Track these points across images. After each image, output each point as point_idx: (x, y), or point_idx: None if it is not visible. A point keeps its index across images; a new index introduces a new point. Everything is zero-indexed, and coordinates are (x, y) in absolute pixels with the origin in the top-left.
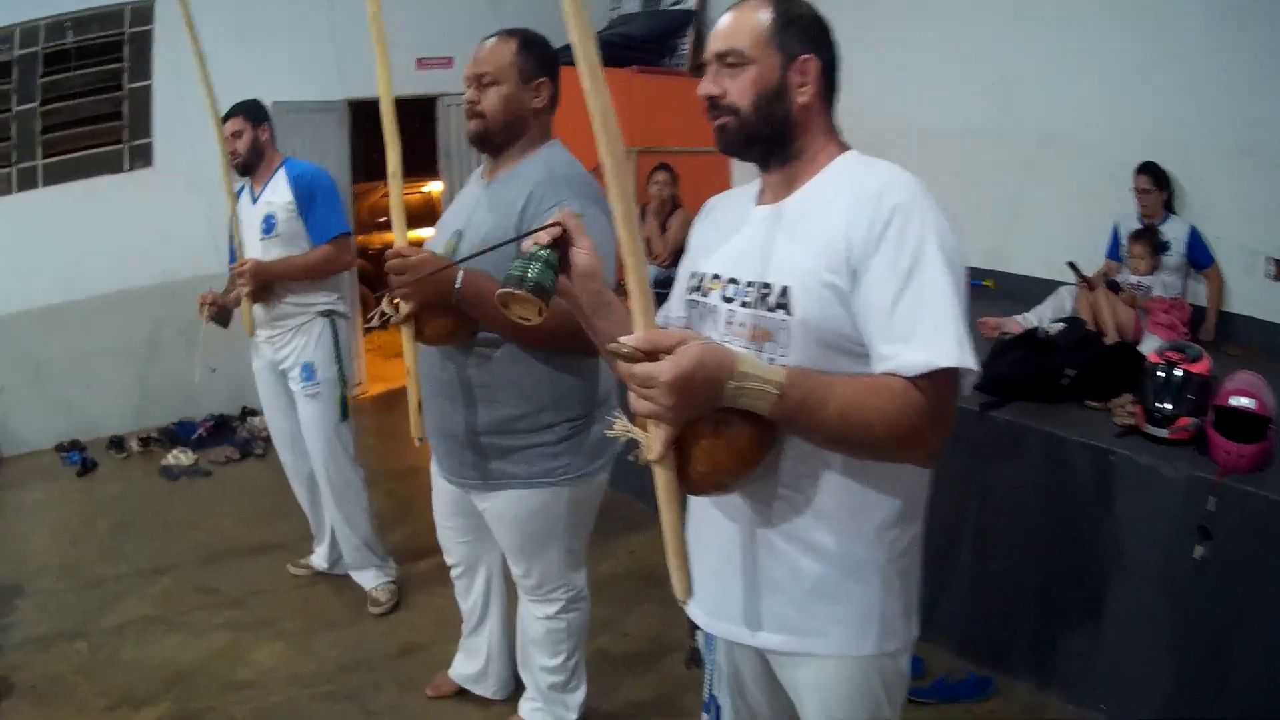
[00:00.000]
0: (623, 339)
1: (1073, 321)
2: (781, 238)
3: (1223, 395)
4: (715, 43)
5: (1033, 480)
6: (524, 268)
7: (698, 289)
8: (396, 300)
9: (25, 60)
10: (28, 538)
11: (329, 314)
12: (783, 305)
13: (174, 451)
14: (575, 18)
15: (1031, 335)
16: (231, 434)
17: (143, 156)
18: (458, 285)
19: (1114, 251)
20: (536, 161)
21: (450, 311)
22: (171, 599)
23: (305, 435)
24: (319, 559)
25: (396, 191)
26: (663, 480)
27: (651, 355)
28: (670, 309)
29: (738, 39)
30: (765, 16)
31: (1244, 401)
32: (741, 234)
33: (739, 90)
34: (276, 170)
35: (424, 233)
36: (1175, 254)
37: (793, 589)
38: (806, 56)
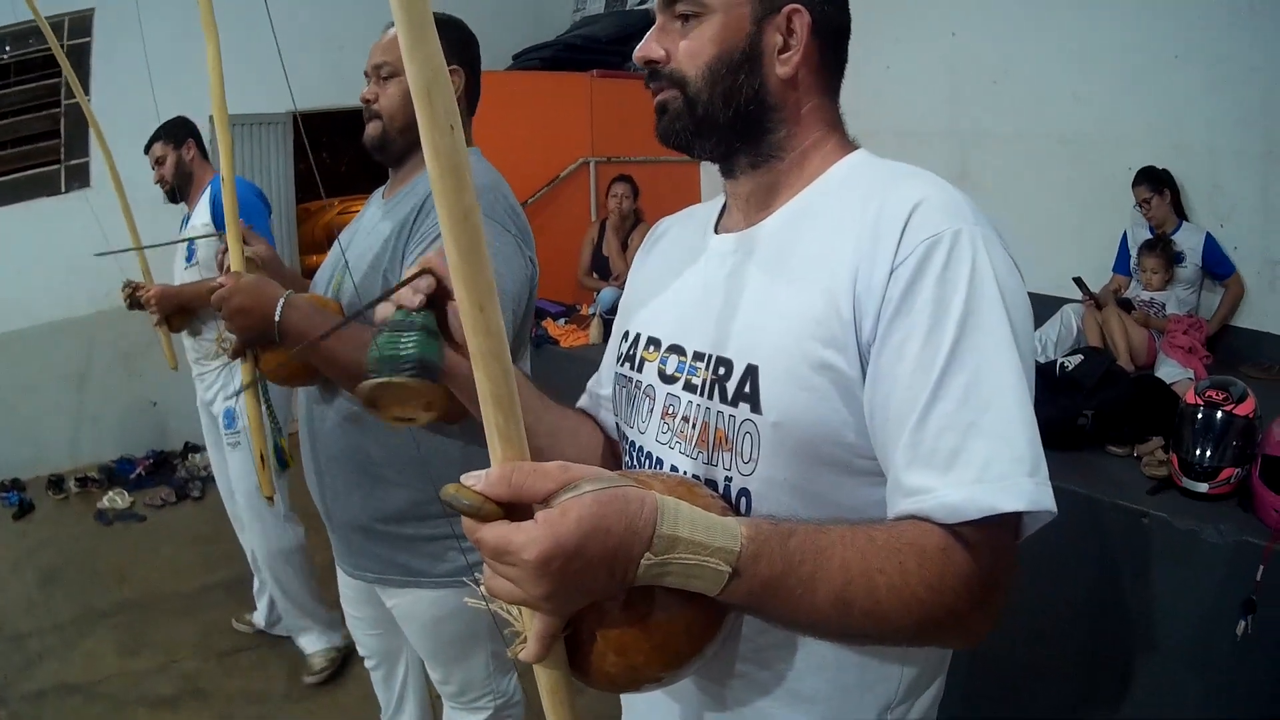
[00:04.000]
0: (467, 478)
1: (1092, 353)
2: (749, 286)
3: (1272, 442)
4: None
5: (1054, 546)
6: (393, 344)
7: (629, 359)
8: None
9: None
10: None
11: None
12: (747, 397)
13: (110, 494)
14: None
15: (1050, 371)
16: (171, 472)
17: (80, 177)
18: (277, 316)
19: (1123, 265)
20: None
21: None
22: (92, 663)
23: (231, 489)
24: (259, 616)
25: (231, 203)
26: (546, 682)
27: (514, 507)
28: (601, 381)
29: None
30: None
31: None
32: (692, 277)
33: (689, 52)
34: (204, 189)
35: None
36: (1190, 265)
37: None
38: (793, 7)
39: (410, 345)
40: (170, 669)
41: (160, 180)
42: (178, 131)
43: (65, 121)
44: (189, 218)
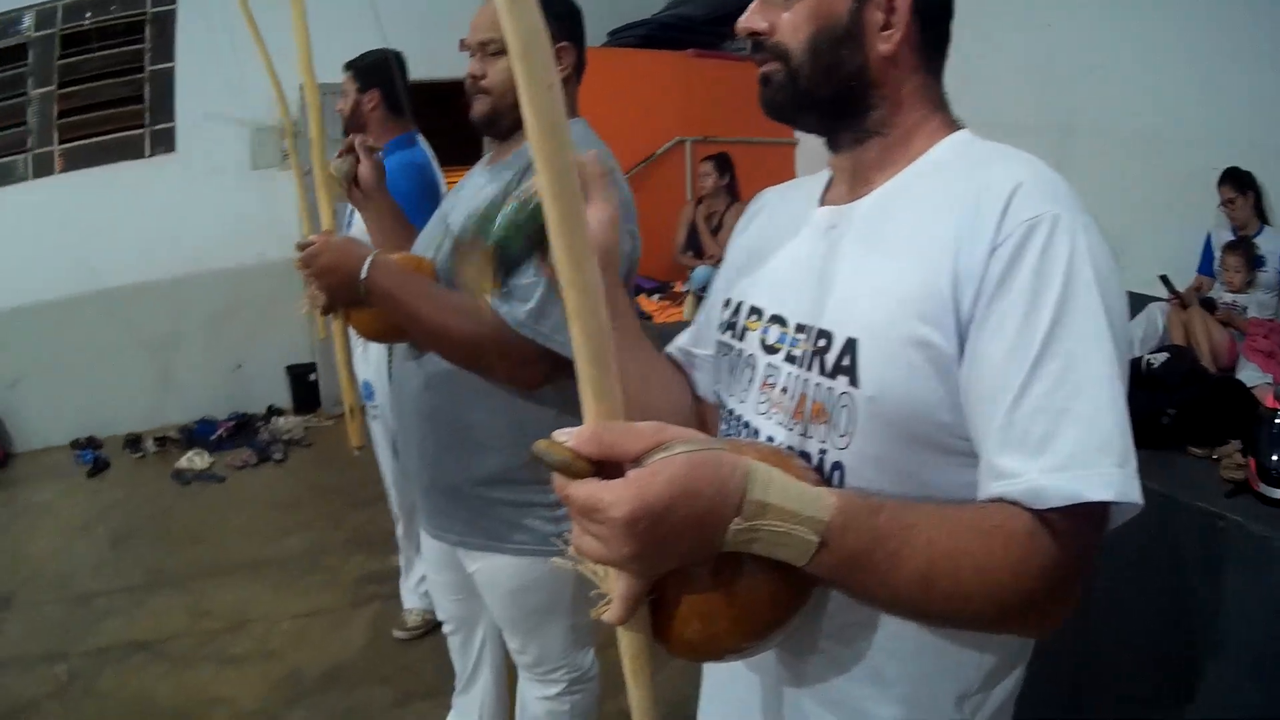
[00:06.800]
0: (559, 434)
1: (1176, 351)
2: (849, 260)
3: None
4: None
5: (1128, 543)
6: (487, 218)
7: (731, 327)
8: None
9: (41, 42)
10: (25, 542)
11: None
12: (845, 369)
13: (189, 454)
14: None
15: (1134, 367)
16: (253, 435)
17: (165, 142)
18: (363, 274)
19: (1206, 265)
20: None
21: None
22: (160, 621)
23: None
24: (411, 594)
25: (319, 169)
26: (629, 647)
27: (604, 466)
28: (699, 340)
29: None
30: None
31: None
32: (795, 248)
33: (791, 25)
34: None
35: None
36: (1271, 270)
37: None
38: None
39: (501, 225)
40: (240, 630)
41: (339, 111)
42: (367, 73)
43: (150, 87)
44: None
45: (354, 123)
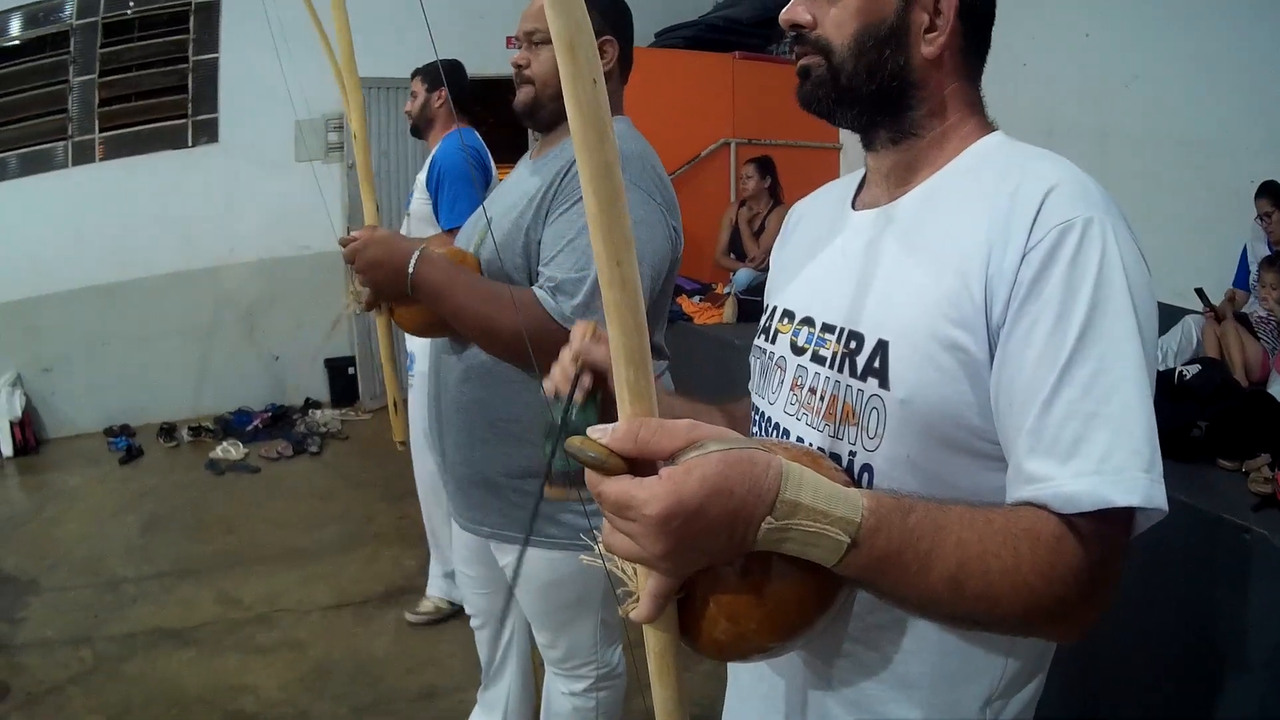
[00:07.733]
0: (593, 430)
1: (1208, 364)
2: (881, 263)
3: None
4: None
5: (1154, 553)
6: (566, 460)
7: (765, 332)
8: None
9: (83, 29)
10: (55, 527)
11: None
12: (876, 372)
13: (223, 444)
14: None
15: (1167, 379)
16: (290, 426)
17: (208, 132)
18: (411, 269)
19: (1242, 279)
20: None
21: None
22: (188, 608)
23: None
24: (438, 588)
25: (363, 158)
26: (655, 645)
27: (638, 463)
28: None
29: None
30: None
31: None
32: (829, 251)
33: (836, 21)
34: (439, 142)
35: None
36: None
37: None
38: None
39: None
40: (269, 620)
41: (407, 113)
42: (435, 76)
43: (193, 77)
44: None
45: (422, 119)
